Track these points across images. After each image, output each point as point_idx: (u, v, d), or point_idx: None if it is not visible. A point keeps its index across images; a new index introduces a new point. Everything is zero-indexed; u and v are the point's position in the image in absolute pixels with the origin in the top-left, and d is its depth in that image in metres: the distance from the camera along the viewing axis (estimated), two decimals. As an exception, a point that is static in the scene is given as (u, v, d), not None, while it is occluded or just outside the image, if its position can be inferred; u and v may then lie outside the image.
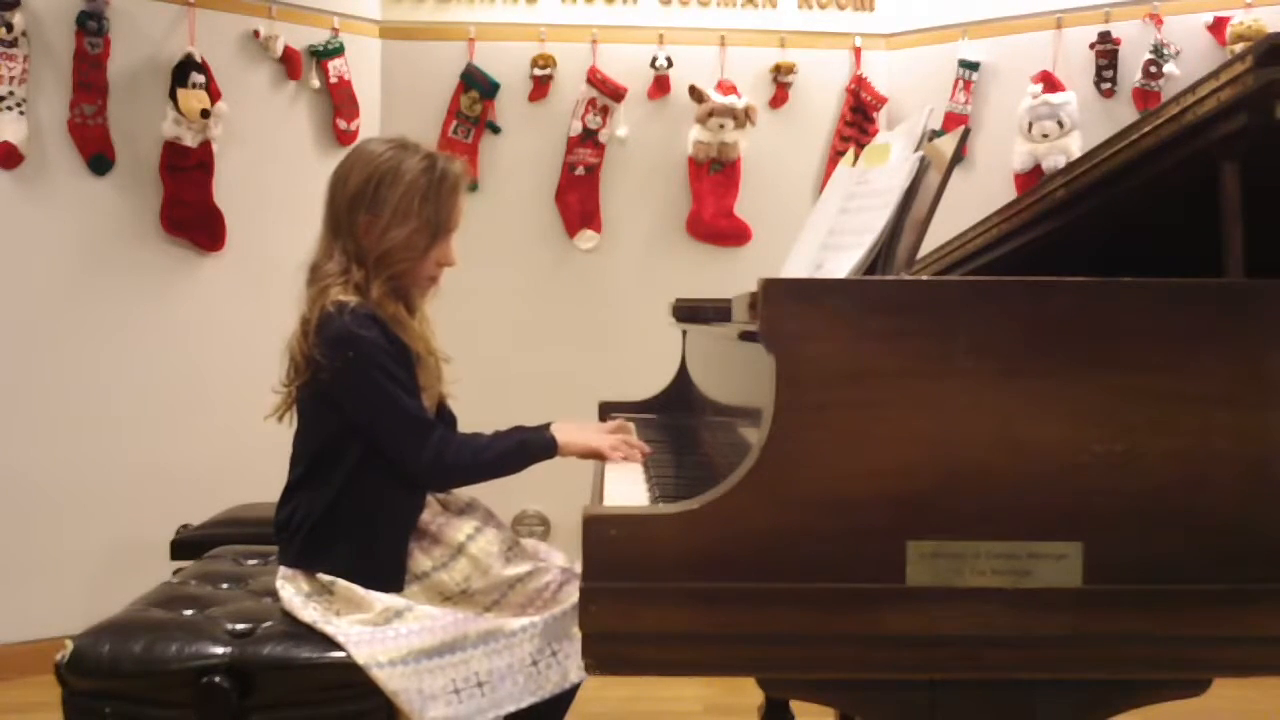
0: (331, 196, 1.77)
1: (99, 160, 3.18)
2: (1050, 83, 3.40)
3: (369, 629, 1.61)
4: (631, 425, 1.92)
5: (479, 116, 3.68)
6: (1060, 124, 3.36)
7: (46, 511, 3.10)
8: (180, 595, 1.82)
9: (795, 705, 2.23)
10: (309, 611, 1.65)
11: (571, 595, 1.72)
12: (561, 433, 1.78)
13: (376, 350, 1.66)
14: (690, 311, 2.33)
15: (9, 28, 2.97)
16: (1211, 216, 1.20)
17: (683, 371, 2.44)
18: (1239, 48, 3.06)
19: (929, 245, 1.61)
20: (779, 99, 3.75)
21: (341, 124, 3.59)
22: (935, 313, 1.12)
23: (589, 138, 3.70)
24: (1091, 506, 1.10)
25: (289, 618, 1.68)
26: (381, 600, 1.65)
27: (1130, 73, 3.34)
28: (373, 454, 1.69)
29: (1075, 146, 3.33)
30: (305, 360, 1.69)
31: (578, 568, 1.47)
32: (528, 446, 1.75)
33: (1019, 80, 3.47)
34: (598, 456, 1.78)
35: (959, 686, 1.15)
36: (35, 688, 2.77)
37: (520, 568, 1.74)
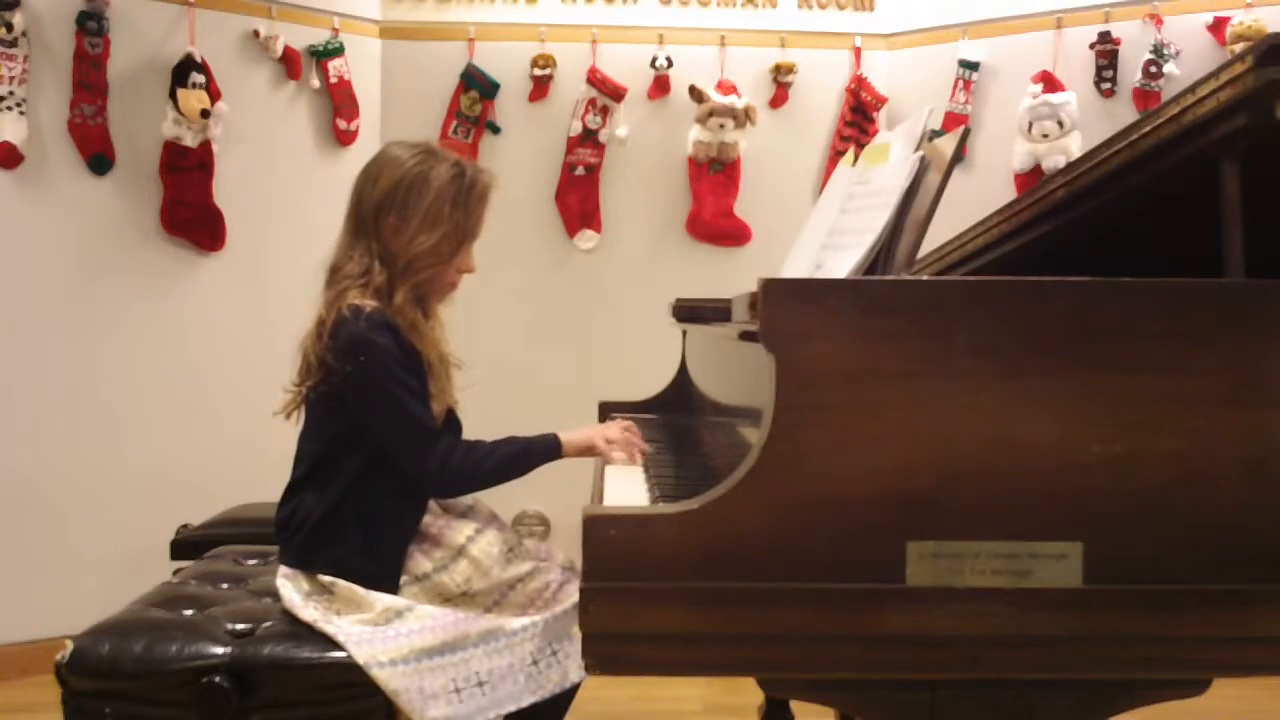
0: (357, 199, 1.77)
1: (99, 160, 3.17)
2: (1050, 83, 3.40)
3: (369, 628, 1.61)
4: (634, 425, 1.92)
5: (479, 116, 3.68)
6: (1060, 124, 3.36)
7: (47, 511, 3.10)
8: (180, 595, 1.82)
9: (795, 705, 2.23)
10: (309, 611, 1.65)
11: (572, 595, 1.72)
12: (564, 434, 1.79)
13: (388, 356, 1.66)
14: (690, 311, 2.33)
15: (9, 28, 2.96)
16: (1211, 216, 1.20)
17: (683, 371, 2.44)
18: (1239, 48, 3.05)
19: (929, 245, 1.61)
20: (779, 99, 3.75)
21: (341, 124, 3.59)
22: (935, 313, 1.12)
23: (589, 138, 3.70)
24: (1091, 506, 1.10)
25: (289, 618, 1.68)
26: (382, 600, 1.65)
27: (1130, 73, 3.34)
28: (377, 456, 1.69)
29: (1075, 146, 3.33)
30: (318, 361, 1.69)
31: (579, 567, 1.47)
32: (531, 449, 1.76)
33: (1019, 80, 3.46)
34: (597, 454, 1.80)
35: (959, 686, 1.15)
36: (35, 688, 2.78)
37: (521, 568, 1.75)
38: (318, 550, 1.70)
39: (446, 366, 1.82)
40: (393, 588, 1.68)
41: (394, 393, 1.66)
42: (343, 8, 3.61)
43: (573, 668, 1.68)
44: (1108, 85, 3.38)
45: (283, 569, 1.73)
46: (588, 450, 1.80)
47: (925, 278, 1.29)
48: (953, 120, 3.54)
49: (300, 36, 3.50)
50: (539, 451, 1.76)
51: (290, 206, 3.44)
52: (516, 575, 1.73)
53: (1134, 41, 3.34)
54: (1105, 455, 1.10)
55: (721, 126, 3.62)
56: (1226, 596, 1.10)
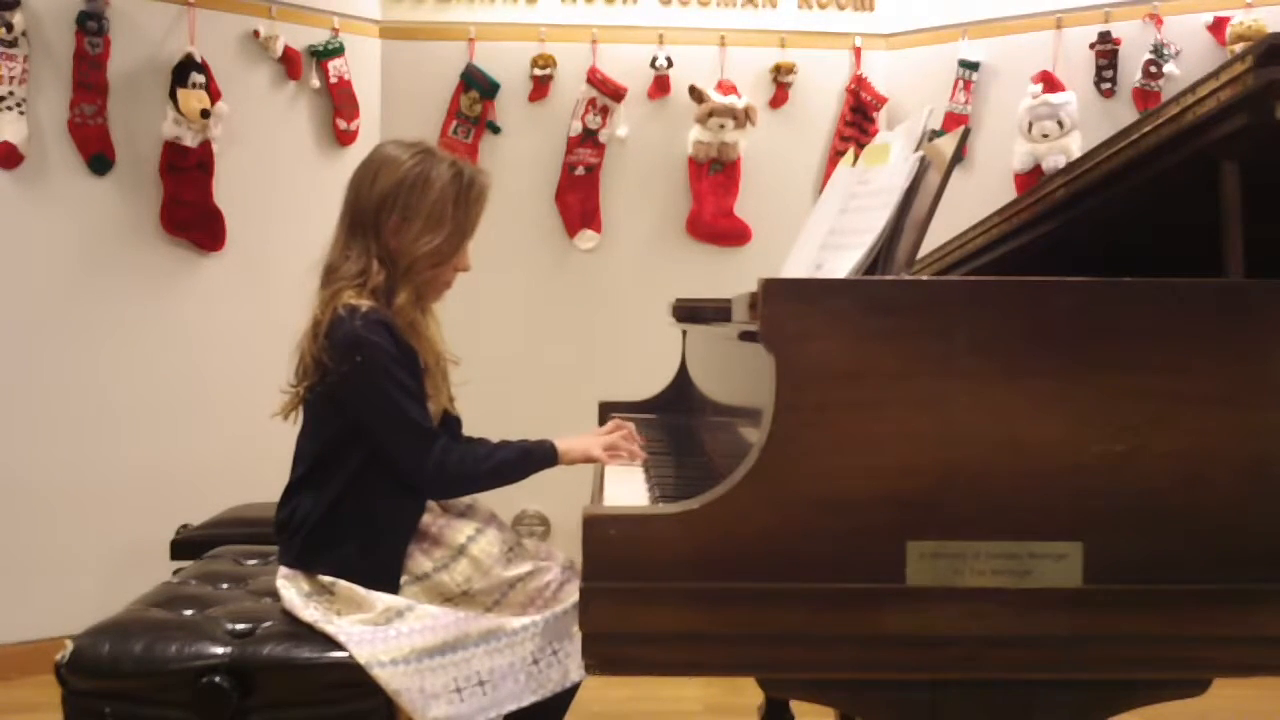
0: (355, 198, 1.77)
1: (99, 160, 3.17)
2: (1050, 83, 3.40)
3: (370, 628, 1.61)
4: (631, 425, 1.92)
5: (479, 116, 3.68)
6: (1060, 124, 3.36)
7: (47, 512, 3.10)
8: (180, 595, 1.82)
9: (795, 705, 2.24)
10: (310, 611, 1.65)
11: (572, 594, 1.72)
12: (562, 441, 1.79)
13: (385, 356, 1.66)
14: (690, 311, 2.33)
15: (9, 28, 2.96)
16: (1211, 216, 1.20)
17: (683, 371, 2.44)
18: (1239, 48, 3.05)
19: (929, 245, 1.61)
20: (779, 99, 3.75)
21: (341, 124, 3.59)
22: (935, 313, 1.12)
23: (589, 138, 3.70)
24: (1091, 506, 1.10)
25: (289, 618, 1.68)
26: (383, 600, 1.65)
27: (1130, 73, 3.34)
28: (376, 456, 1.69)
29: (1075, 146, 3.33)
30: (314, 362, 1.69)
31: (579, 567, 1.47)
32: (529, 456, 1.76)
33: (1019, 80, 3.46)
34: (597, 462, 1.80)
35: (959, 686, 1.15)
36: (35, 688, 2.77)
37: (521, 567, 1.75)
38: (317, 551, 1.70)
39: (443, 366, 1.83)
40: (393, 587, 1.68)
41: (390, 393, 1.66)
42: (343, 8, 3.61)
43: (573, 667, 1.68)
44: (1108, 85, 3.38)
45: (283, 570, 1.73)
46: (587, 460, 1.80)
47: (925, 278, 1.29)
48: (953, 120, 3.54)
49: (300, 36, 3.50)
50: (536, 459, 1.76)
51: (290, 206, 3.44)
52: (517, 575, 1.73)
53: (1134, 41, 3.34)
54: (1105, 455, 1.10)
55: (721, 126, 3.62)
56: (1226, 596, 1.10)
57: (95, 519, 3.16)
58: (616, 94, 3.68)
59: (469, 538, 1.73)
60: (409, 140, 1.81)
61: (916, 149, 1.41)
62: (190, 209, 3.30)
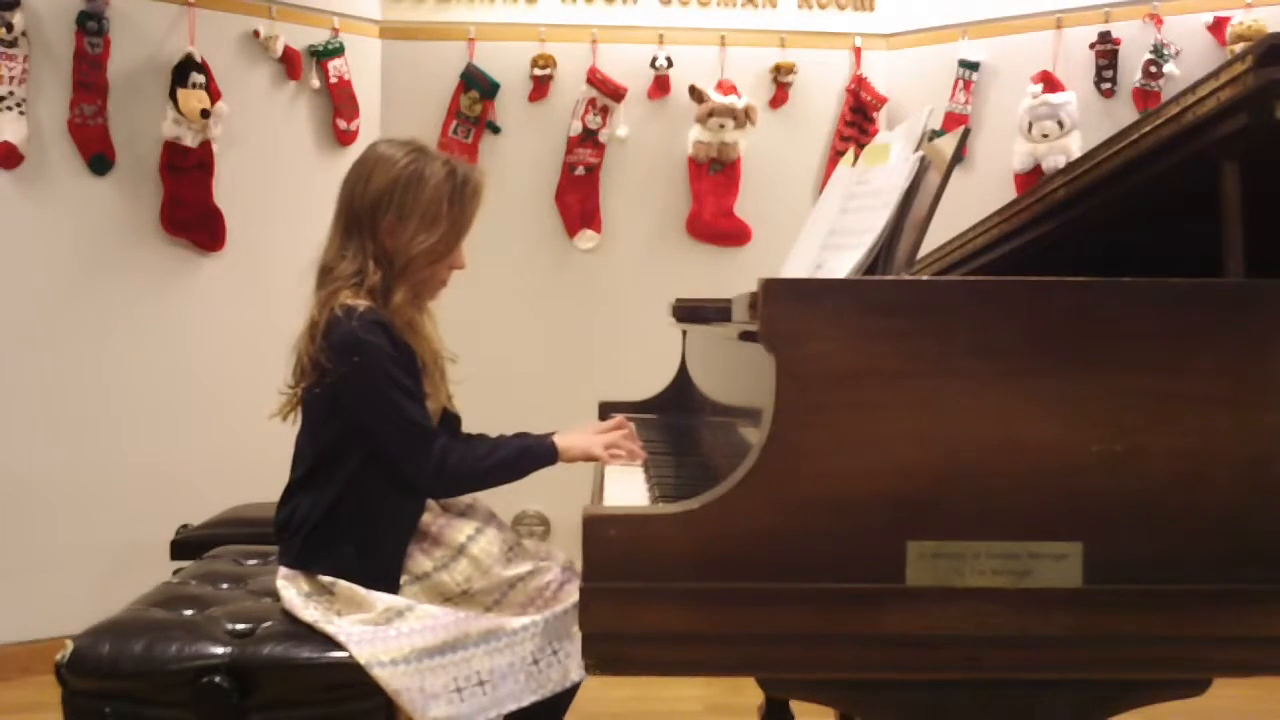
0: (349, 198, 1.76)
1: (99, 160, 3.17)
2: (1050, 83, 3.40)
3: (370, 628, 1.61)
4: (631, 425, 1.92)
5: (479, 116, 3.68)
6: (1060, 124, 3.36)
7: (46, 511, 3.10)
8: (180, 595, 1.82)
9: (795, 705, 2.24)
10: (310, 611, 1.65)
11: (572, 594, 1.72)
12: (562, 439, 1.79)
13: (383, 356, 1.66)
14: (690, 311, 2.33)
15: (9, 28, 2.96)
16: (1211, 216, 1.20)
17: (683, 371, 2.44)
18: (1239, 48, 3.05)
19: (929, 245, 1.61)
20: (779, 99, 3.75)
21: (341, 124, 3.59)
22: (935, 313, 1.12)
23: (589, 138, 3.70)
24: (1091, 506, 1.10)
25: (289, 618, 1.68)
26: (383, 600, 1.65)
27: (1130, 73, 3.34)
28: (375, 456, 1.69)
29: (1075, 146, 3.33)
30: (311, 363, 1.69)
31: (579, 567, 1.47)
32: (528, 454, 1.76)
33: (1019, 80, 3.46)
34: (598, 461, 1.80)
35: (959, 686, 1.15)
36: (35, 688, 2.78)
37: (521, 567, 1.75)
38: (317, 551, 1.70)
39: (440, 365, 1.82)
40: (392, 587, 1.68)
41: (389, 393, 1.66)
42: (343, 8, 3.61)
43: (573, 667, 1.68)
44: (1108, 85, 3.38)
45: (282, 570, 1.73)
46: (587, 459, 1.80)
47: (925, 278, 1.29)
48: (953, 120, 3.54)
49: (300, 36, 3.50)
50: (535, 457, 1.76)
51: (290, 206, 3.44)
52: (517, 574, 1.74)
53: (1134, 41, 3.34)
54: (1105, 455, 1.10)
55: (721, 126, 3.62)
56: (1226, 596, 1.10)
57: (95, 519, 3.16)
58: (616, 94, 3.68)
59: (469, 537, 1.73)
60: (402, 139, 1.81)
61: (916, 149, 1.41)
62: (190, 209, 3.30)
